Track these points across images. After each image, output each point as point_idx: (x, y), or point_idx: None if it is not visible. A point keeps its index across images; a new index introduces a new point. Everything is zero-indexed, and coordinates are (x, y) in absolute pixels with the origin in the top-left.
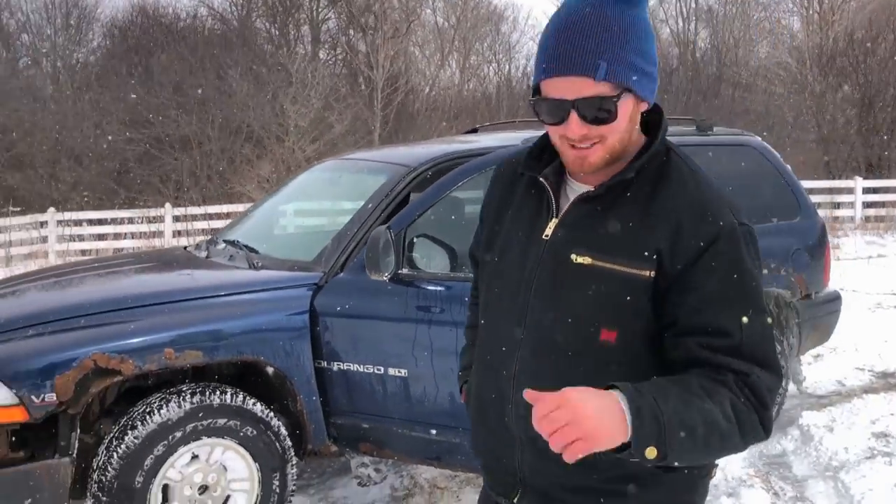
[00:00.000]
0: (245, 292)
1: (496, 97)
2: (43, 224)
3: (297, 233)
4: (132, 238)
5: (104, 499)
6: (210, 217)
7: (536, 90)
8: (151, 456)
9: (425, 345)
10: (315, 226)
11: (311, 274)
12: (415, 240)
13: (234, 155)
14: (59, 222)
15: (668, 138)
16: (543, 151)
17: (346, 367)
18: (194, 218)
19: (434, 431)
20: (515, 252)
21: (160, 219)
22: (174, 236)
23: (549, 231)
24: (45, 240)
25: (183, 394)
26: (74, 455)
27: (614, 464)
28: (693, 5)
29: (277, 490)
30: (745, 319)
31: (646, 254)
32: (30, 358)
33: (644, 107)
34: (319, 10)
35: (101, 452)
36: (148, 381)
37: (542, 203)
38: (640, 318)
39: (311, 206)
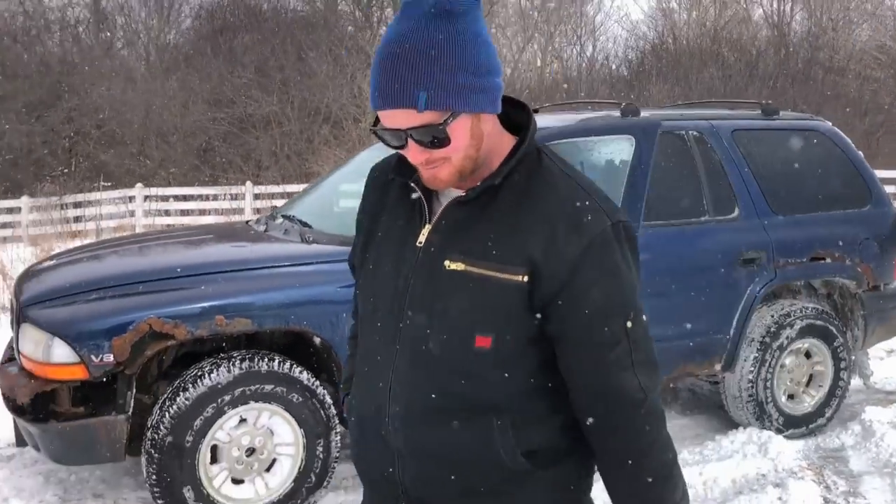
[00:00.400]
0: (294, 265)
1: (577, 79)
2: (131, 199)
3: (349, 210)
4: (215, 214)
5: (156, 456)
6: (289, 195)
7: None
8: (201, 417)
9: None
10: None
11: None
12: None
13: (312, 135)
14: (147, 197)
15: (723, 122)
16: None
17: None
18: (273, 196)
19: None
20: (390, 260)
21: (241, 196)
22: (254, 213)
23: (422, 238)
24: (132, 214)
25: (233, 359)
26: (130, 413)
27: (494, 465)
28: None
29: (321, 456)
30: (629, 324)
31: (519, 258)
32: (90, 320)
33: (487, 118)
34: None
35: (154, 412)
36: (204, 346)
37: (415, 209)
38: (515, 324)
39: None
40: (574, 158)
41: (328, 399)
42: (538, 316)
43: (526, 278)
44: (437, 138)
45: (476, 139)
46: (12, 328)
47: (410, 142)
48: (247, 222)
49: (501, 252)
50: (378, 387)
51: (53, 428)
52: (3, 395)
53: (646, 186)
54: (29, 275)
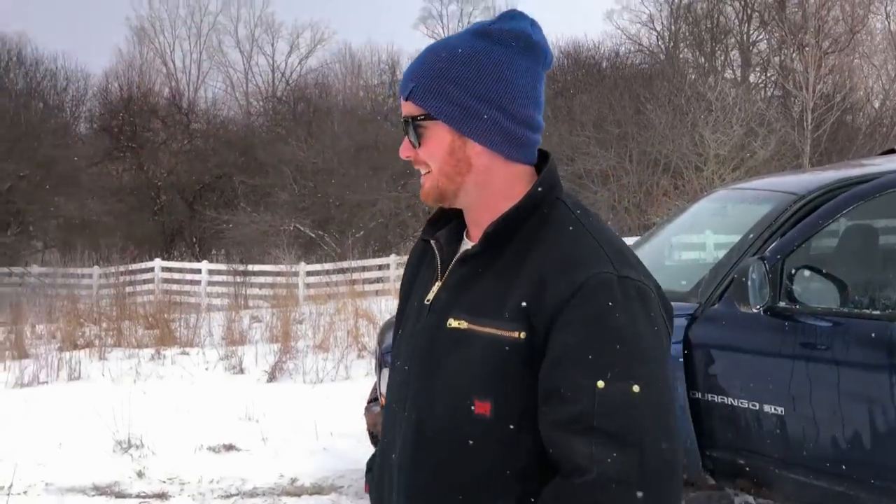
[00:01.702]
0: None
1: None
2: None
3: (678, 264)
4: None
5: None
6: None
7: None
8: None
9: (804, 383)
10: (694, 258)
11: (687, 304)
12: (794, 271)
13: (651, 186)
14: None
15: None
16: (445, 215)
17: (720, 400)
18: None
19: (815, 476)
20: (410, 322)
21: None
22: None
23: (431, 295)
24: None
25: None
26: None
27: None
28: None
29: None
30: (600, 384)
31: (516, 313)
32: None
33: (477, 148)
34: (750, 32)
35: None
36: None
37: (434, 267)
38: (515, 388)
39: (695, 239)
40: None
41: None
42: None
43: (523, 335)
44: (413, 135)
45: (457, 160)
46: (376, 372)
47: (406, 135)
48: None
49: (501, 307)
50: (391, 458)
51: None
52: (368, 430)
53: None
54: (390, 324)
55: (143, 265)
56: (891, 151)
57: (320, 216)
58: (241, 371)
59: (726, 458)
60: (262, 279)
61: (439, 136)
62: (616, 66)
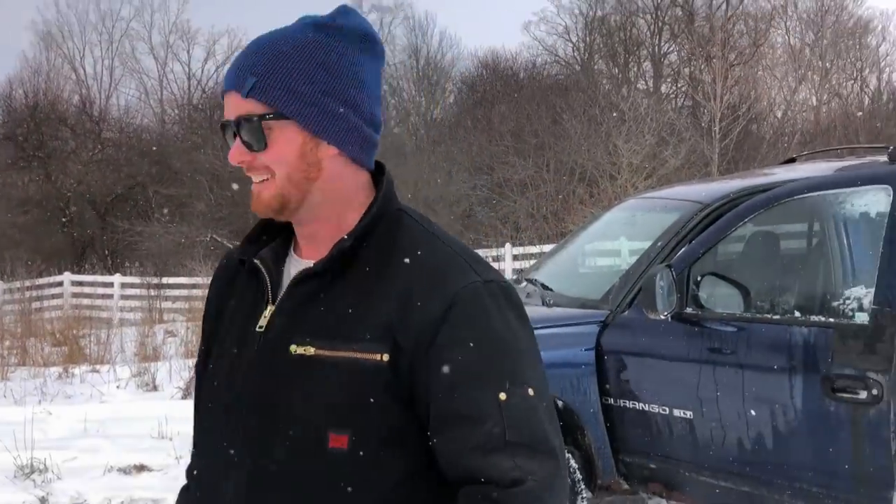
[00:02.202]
0: (536, 328)
1: (861, 118)
2: None
3: (590, 272)
4: None
5: None
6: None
7: None
8: None
9: (711, 387)
10: (609, 265)
11: (598, 312)
12: (699, 278)
13: (567, 195)
14: None
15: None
16: (264, 233)
17: (631, 406)
18: (531, 256)
19: (722, 477)
20: (229, 354)
21: (501, 258)
22: (513, 274)
23: (263, 321)
24: None
25: None
26: None
27: None
28: None
29: None
30: (502, 396)
31: (376, 333)
32: None
33: (331, 150)
34: (661, 44)
35: None
36: None
37: (260, 289)
38: (376, 416)
39: (609, 246)
40: (825, 213)
41: (573, 463)
42: (405, 402)
43: (386, 356)
44: (252, 137)
45: (307, 164)
46: None
47: (236, 137)
48: None
49: (356, 328)
50: None
51: None
52: None
53: None
54: None
55: (52, 279)
56: (791, 161)
57: (238, 226)
58: (155, 388)
59: (639, 463)
60: (177, 292)
61: (288, 138)
62: (533, 76)
